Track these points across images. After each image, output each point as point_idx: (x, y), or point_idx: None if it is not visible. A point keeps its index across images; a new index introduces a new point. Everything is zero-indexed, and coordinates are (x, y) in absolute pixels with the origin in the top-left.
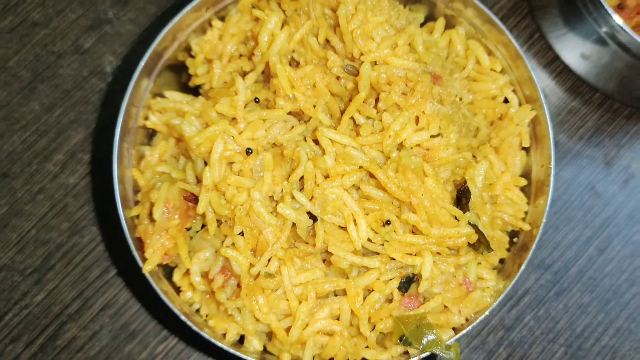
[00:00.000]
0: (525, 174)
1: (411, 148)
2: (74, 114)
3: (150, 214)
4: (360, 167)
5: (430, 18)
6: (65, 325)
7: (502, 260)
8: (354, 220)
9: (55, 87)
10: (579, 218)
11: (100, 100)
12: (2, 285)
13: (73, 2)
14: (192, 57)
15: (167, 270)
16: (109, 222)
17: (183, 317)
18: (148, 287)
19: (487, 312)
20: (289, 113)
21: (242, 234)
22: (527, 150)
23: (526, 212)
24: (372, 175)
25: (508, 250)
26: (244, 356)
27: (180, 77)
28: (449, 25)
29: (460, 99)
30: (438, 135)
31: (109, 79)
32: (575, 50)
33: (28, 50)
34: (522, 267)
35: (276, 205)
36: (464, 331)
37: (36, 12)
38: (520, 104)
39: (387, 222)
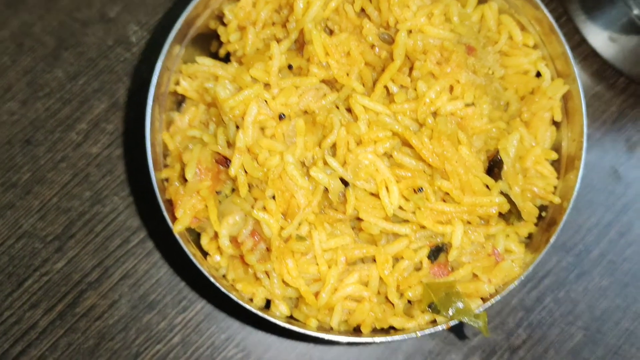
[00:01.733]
0: (555, 149)
1: (445, 116)
2: (97, 83)
3: (181, 177)
4: (394, 134)
5: None
6: (85, 293)
7: (529, 236)
8: (386, 187)
9: (79, 55)
10: (601, 201)
11: (124, 70)
12: (23, 251)
13: None
14: (224, 24)
15: (192, 236)
16: (131, 191)
17: (212, 279)
18: (169, 257)
19: (515, 283)
20: (322, 81)
21: (273, 197)
22: (557, 125)
23: (555, 187)
24: (404, 144)
25: (536, 225)
26: (272, 319)
27: (208, 46)
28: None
29: (492, 73)
30: (472, 104)
31: (134, 49)
32: (602, 34)
33: (53, 16)
34: (551, 241)
35: (307, 170)
36: (493, 301)
37: None
38: (552, 79)
39: (420, 189)
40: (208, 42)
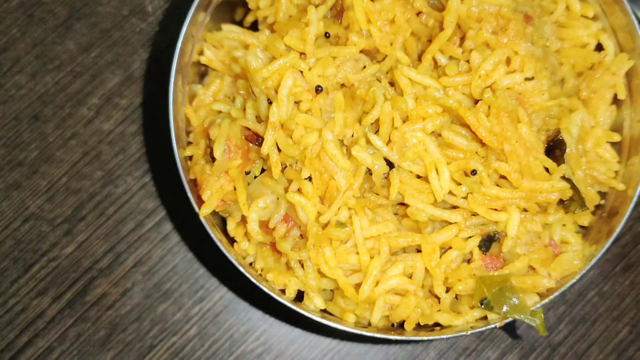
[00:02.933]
0: (615, 131)
1: (504, 91)
2: (111, 56)
3: (207, 154)
4: (444, 110)
5: None
6: (96, 281)
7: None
8: (436, 169)
9: (92, 26)
10: None
11: (139, 41)
12: (30, 235)
13: None
14: None
15: (217, 222)
16: (147, 171)
17: (242, 269)
18: (186, 243)
19: (577, 277)
20: (361, 51)
21: (310, 179)
22: (618, 104)
23: (616, 172)
24: (454, 122)
25: (592, 214)
26: (307, 313)
27: (233, 14)
28: None
29: (549, 45)
30: (532, 78)
31: (150, 19)
32: None
33: None
34: (616, 232)
35: (347, 150)
36: (551, 297)
37: None
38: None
39: (473, 172)
40: (232, 10)
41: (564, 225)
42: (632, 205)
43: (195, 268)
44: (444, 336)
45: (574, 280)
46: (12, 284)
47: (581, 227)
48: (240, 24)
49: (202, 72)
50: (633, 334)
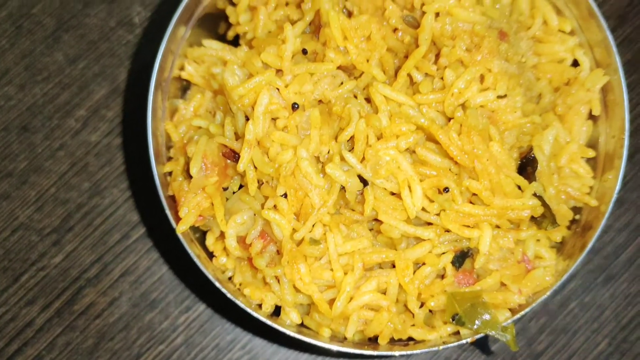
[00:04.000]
0: (591, 147)
1: (476, 109)
2: (98, 67)
3: (185, 170)
4: (418, 127)
5: None
6: (84, 290)
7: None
8: (409, 186)
9: (80, 38)
10: (633, 201)
11: (126, 53)
12: (19, 244)
13: None
14: (233, 4)
15: (197, 235)
16: (132, 183)
17: (218, 284)
18: (171, 254)
19: (548, 293)
20: (339, 68)
21: (285, 195)
22: (594, 119)
23: (591, 188)
24: (428, 139)
25: (568, 228)
26: (282, 329)
27: (216, 28)
28: None
29: (525, 61)
30: (504, 96)
31: (137, 31)
32: None
33: None
34: (588, 248)
35: (322, 166)
36: (522, 313)
37: None
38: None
39: (446, 190)
40: (216, 24)
41: (538, 240)
42: (604, 221)
43: (181, 278)
44: (417, 351)
45: (545, 296)
46: (2, 293)
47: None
48: (223, 37)
49: (185, 87)
50: (612, 346)
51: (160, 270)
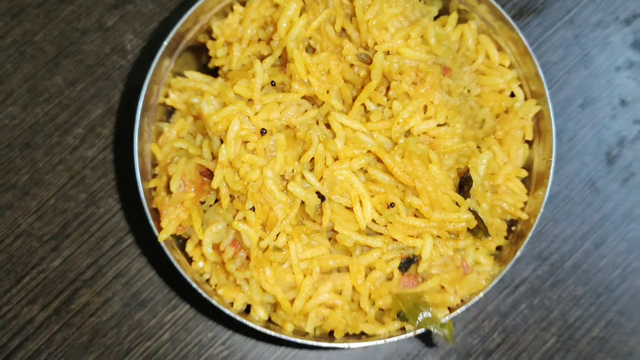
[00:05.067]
0: (527, 166)
1: (418, 135)
2: (94, 89)
3: (167, 186)
4: (369, 151)
5: (444, 12)
6: (80, 291)
7: (499, 248)
8: (360, 202)
9: (78, 63)
10: (578, 213)
11: (120, 77)
12: (21, 250)
13: None
14: (213, 39)
15: (179, 242)
16: (124, 194)
17: (194, 285)
18: (159, 258)
19: (481, 294)
20: (303, 97)
21: (253, 209)
22: (530, 143)
23: (525, 203)
24: (379, 160)
25: (506, 238)
26: (250, 324)
27: (200, 57)
28: (462, 19)
29: (469, 91)
30: (445, 124)
31: (129, 57)
32: None
33: (54, 26)
34: (518, 254)
35: (287, 183)
36: (458, 311)
37: None
38: (526, 99)
39: (392, 205)
40: (199, 54)
41: (477, 248)
42: (531, 232)
43: (168, 280)
44: (367, 343)
45: (479, 297)
46: (5, 293)
47: (497, 248)
48: (205, 66)
49: (170, 110)
50: (559, 342)
51: (149, 272)
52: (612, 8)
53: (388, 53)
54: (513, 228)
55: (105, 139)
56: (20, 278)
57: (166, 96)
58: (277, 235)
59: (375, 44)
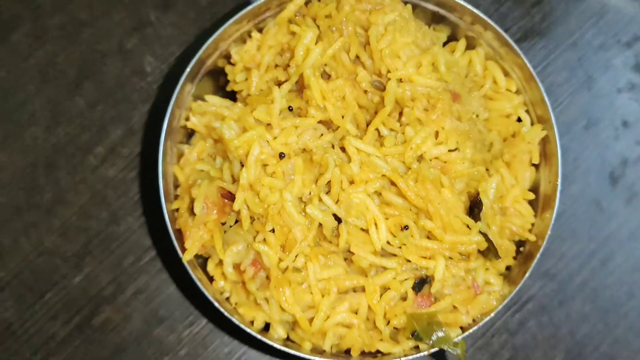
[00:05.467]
0: (534, 188)
1: (430, 160)
2: (115, 111)
3: (190, 208)
4: (383, 175)
5: (452, 38)
6: (100, 307)
7: (508, 267)
8: (375, 224)
9: (99, 84)
10: (584, 231)
11: (139, 98)
12: (45, 267)
13: (118, 4)
14: (231, 64)
15: (199, 261)
16: (144, 213)
17: (217, 305)
18: (177, 275)
19: (492, 314)
20: (319, 121)
21: (273, 230)
22: (536, 166)
23: (533, 224)
24: (393, 183)
25: (514, 258)
26: (270, 342)
27: (217, 80)
28: (470, 45)
29: (477, 115)
30: (455, 149)
31: (149, 79)
32: None
33: (75, 48)
34: (527, 275)
35: (305, 206)
36: (470, 330)
37: (83, 12)
38: (532, 123)
39: (405, 227)
40: (217, 77)
41: (487, 269)
42: (539, 253)
43: (186, 296)
44: None
45: (490, 317)
46: (28, 309)
47: (506, 268)
48: (223, 87)
49: (190, 132)
50: (567, 359)
51: (168, 289)
52: (614, 31)
53: (401, 80)
54: (521, 249)
55: (125, 158)
56: (43, 294)
57: (187, 119)
58: (296, 256)
59: (389, 71)
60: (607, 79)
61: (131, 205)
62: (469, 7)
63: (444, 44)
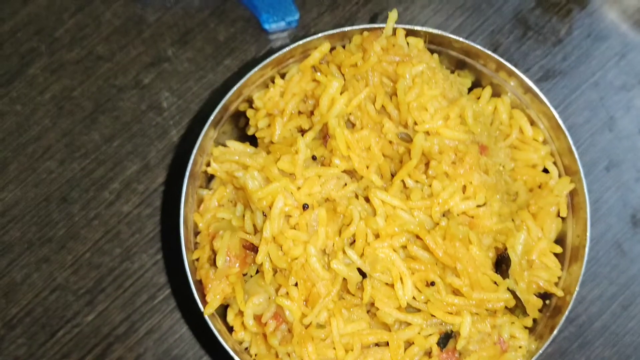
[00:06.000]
0: (560, 239)
1: (457, 215)
2: (131, 146)
3: (211, 258)
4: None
5: (476, 83)
6: (113, 346)
7: (534, 320)
8: (401, 279)
9: (115, 119)
10: (605, 274)
11: (156, 133)
12: (57, 303)
13: (135, 39)
14: (253, 108)
15: (218, 308)
16: (159, 249)
17: (237, 358)
18: (191, 314)
19: None
20: (343, 171)
21: (296, 284)
22: (563, 218)
23: (559, 277)
24: (418, 237)
25: (540, 311)
26: None
27: (237, 122)
28: (495, 93)
29: (503, 166)
30: (483, 204)
31: (165, 114)
32: None
33: (91, 82)
34: (555, 332)
35: (328, 258)
36: None
37: (101, 46)
38: (559, 175)
39: (432, 283)
40: (237, 119)
41: (513, 323)
42: (569, 308)
43: (199, 336)
44: None
45: None
46: (40, 347)
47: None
48: (243, 129)
49: (209, 176)
50: None
51: (181, 329)
52: (635, 71)
53: (428, 133)
54: (547, 301)
55: (140, 194)
56: (55, 332)
57: (207, 164)
58: (319, 311)
59: (415, 123)
60: (629, 119)
61: (145, 243)
62: (493, 55)
63: (469, 90)
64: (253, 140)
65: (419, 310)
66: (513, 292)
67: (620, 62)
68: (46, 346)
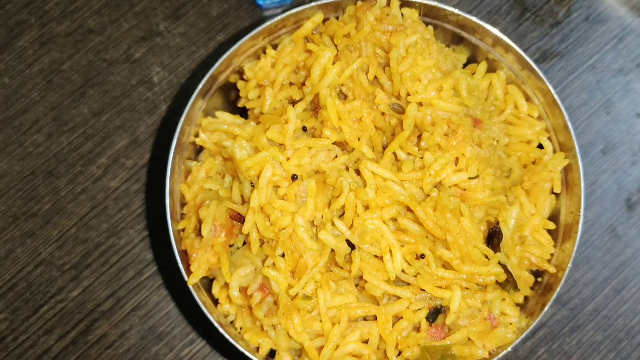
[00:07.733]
0: (554, 216)
1: (449, 187)
2: (119, 120)
3: (197, 228)
4: (400, 200)
5: (472, 59)
6: (97, 322)
7: (525, 298)
8: (390, 252)
9: (104, 93)
10: (599, 258)
11: (145, 108)
12: (41, 278)
13: (127, 12)
14: (244, 79)
15: (203, 281)
16: (146, 226)
17: (221, 330)
18: (179, 291)
19: (509, 349)
20: (334, 143)
21: (283, 255)
22: (557, 194)
23: (552, 254)
24: (409, 209)
25: (532, 288)
26: None
27: (228, 95)
28: (490, 68)
29: (497, 141)
30: (476, 177)
31: (156, 89)
32: None
33: (81, 56)
34: (546, 308)
35: (316, 230)
36: None
37: (92, 19)
38: (554, 151)
39: (422, 256)
40: (227, 91)
41: (504, 299)
42: (560, 284)
43: (186, 314)
44: None
45: (507, 351)
46: (23, 322)
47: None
48: (234, 102)
49: (198, 148)
50: None
51: (168, 305)
52: (633, 55)
53: (421, 104)
54: (539, 279)
55: (128, 170)
56: (39, 307)
57: (196, 135)
58: (306, 282)
59: (408, 94)
60: (626, 103)
61: (133, 219)
62: (491, 29)
63: (464, 66)
64: (244, 114)
65: (408, 284)
66: (504, 266)
67: (618, 45)
68: (29, 321)
